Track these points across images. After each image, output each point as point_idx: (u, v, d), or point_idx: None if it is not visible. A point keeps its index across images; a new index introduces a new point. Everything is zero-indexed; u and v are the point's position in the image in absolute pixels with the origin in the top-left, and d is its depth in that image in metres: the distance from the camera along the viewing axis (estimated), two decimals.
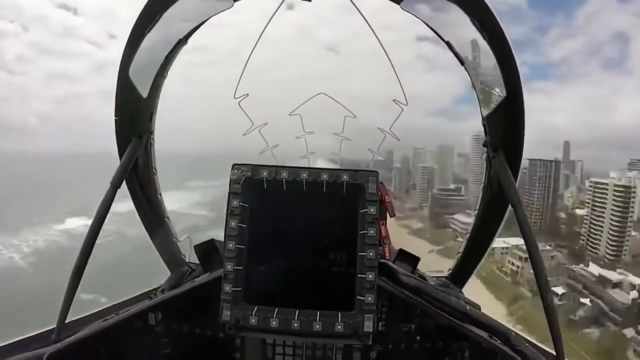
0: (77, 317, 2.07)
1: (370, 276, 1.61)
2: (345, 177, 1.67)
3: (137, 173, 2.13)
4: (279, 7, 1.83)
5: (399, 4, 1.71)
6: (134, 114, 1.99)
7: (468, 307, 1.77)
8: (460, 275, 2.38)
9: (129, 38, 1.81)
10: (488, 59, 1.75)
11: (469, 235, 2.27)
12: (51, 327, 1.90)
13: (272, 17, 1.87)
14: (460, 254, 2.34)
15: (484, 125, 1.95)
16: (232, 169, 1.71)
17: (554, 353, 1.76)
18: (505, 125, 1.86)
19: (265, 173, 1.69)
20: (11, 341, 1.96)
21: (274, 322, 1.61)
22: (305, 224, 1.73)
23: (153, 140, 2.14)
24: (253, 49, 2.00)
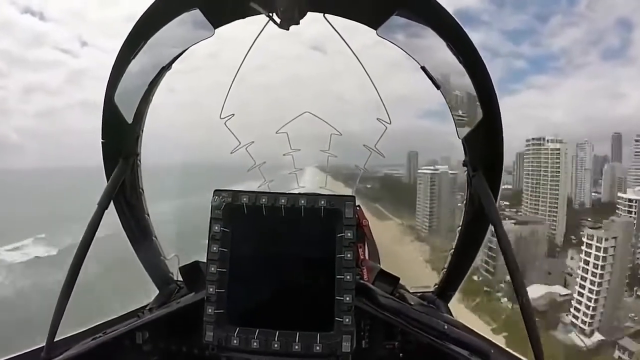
0: (66, 336, 2.11)
1: (347, 298, 1.64)
2: (322, 202, 1.71)
3: (125, 193, 2.17)
4: (259, 34, 1.88)
5: (375, 30, 1.75)
6: (120, 137, 2.04)
7: (446, 327, 1.80)
8: (445, 289, 2.41)
9: (114, 64, 1.86)
10: (464, 82, 1.79)
11: (453, 250, 2.31)
12: (40, 346, 1.93)
13: (252, 45, 1.91)
14: (445, 270, 2.38)
15: (463, 145, 1.99)
16: (213, 195, 1.76)
17: None
18: (483, 145, 1.90)
19: (245, 199, 1.73)
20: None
21: (254, 343, 1.65)
22: (285, 248, 1.77)
23: (139, 161, 2.19)
24: (236, 74, 2.05)
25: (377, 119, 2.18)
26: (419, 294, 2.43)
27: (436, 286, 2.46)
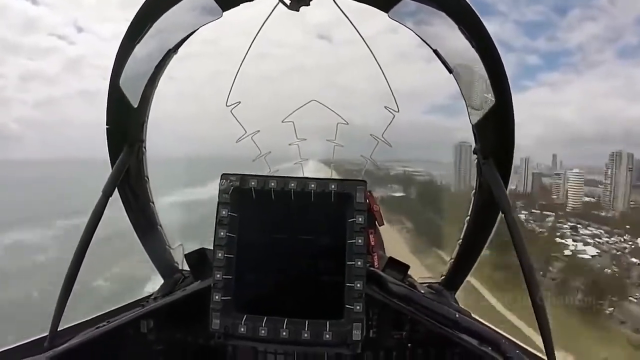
0: (69, 325, 2.08)
1: (358, 285, 1.61)
2: (333, 186, 1.68)
3: (129, 181, 2.14)
4: (267, 19, 1.84)
5: (387, 12, 1.72)
6: (125, 123, 2.00)
7: (457, 315, 1.77)
8: (453, 280, 2.39)
9: (119, 48, 1.82)
10: (476, 67, 1.75)
11: (461, 240, 2.28)
12: (44, 335, 1.91)
13: (259, 31, 1.88)
14: (452, 260, 2.35)
15: (473, 133, 1.96)
16: (220, 179, 1.72)
17: (545, 359, 1.77)
18: (495, 132, 1.87)
19: (253, 183, 1.70)
20: (2, 349, 1.97)
21: (262, 331, 1.62)
22: (294, 233, 1.73)
23: (145, 148, 2.15)
24: (242, 62, 2.01)
25: (385, 107, 2.15)
26: (425, 284, 2.41)
27: (443, 277, 2.44)
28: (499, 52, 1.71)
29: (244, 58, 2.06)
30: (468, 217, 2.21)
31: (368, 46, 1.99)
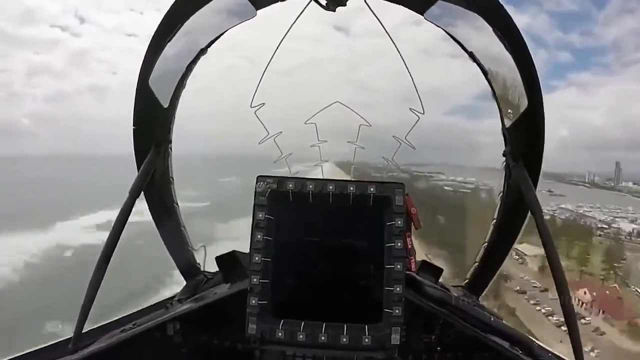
0: (93, 327, 2.06)
1: (397, 289, 1.60)
2: (372, 189, 1.67)
3: (155, 182, 2.12)
4: (298, 16, 1.83)
5: (422, 15, 1.71)
6: (153, 123, 1.98)
7: (492, 318, 1.77)
8: (477, 283, 2.37)
9: (149, 46, 1.81)
10: (510, 70, 1.75)
11: (486, 243, 2.27)
12: (68, 337, 1.88)
13: (288, 30, 1.86)
14: (477, 263, 2.34)
15: (504, 135, 1.95)
16: (257, 181, 1.70)
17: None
18: (526, 135, 1.87)
19: (291, 185, 1.68)
20: (27, 351, 1.95)
21: (300, 336, 1.60)
22: (331, 236, 1.72)
23: (171, 149, 2.13)
24: (269, 62, 1.98)
25: (410, 109, 2.14)
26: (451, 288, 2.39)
27: (466, 280, 2.43)
28: (531, 50, 1.71)
29: (271, 60, 2.02)
30: (494, 221, 2.20)
31: (396, 46, 1.96)
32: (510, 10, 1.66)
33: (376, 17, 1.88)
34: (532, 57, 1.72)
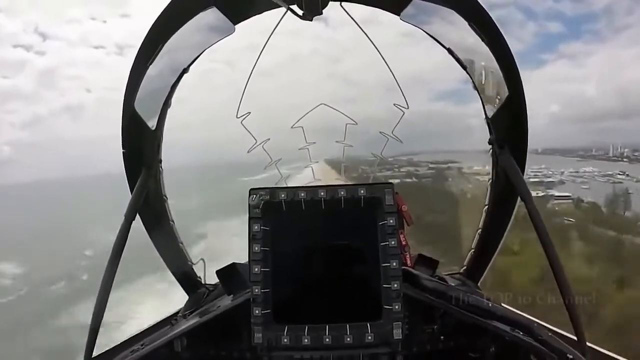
0: (103, 351, 2.07)
1: (395, 285, 1.65)
2: (362, 191, 1.71)
3: (149, 202, 2.13)
4: (275, 28, 1.84)
5: (398, 15, 1.74)
6: (142, 145, 1.99)
7: (490, 304, 1.82)
8: (474, 270, 2.43)
9: (131, 70, 1.81)
10: (488, 61, 1.79)
11: (480, 230, 2.32)
12: None
13: (267, 40, 1.88)
14: (473, 250, 2.39)
15: (488, 124, 1.99)
16: (249, 194, 1.74)
17: (575, 338, 1.82)
18: (509, 122, 1.91)
19: (283, 195, 1.72)
20: None
21: (305, 340, 1.65)
22: (326, 240, 1.77)
23: (161, 167, 2.14)
24: (252, 72, 2.00)
25: (394, 104, 2.17)
26: (447, 276, 2.44)
27: (464, 268, 2.48)
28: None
29: (252, 72, 2.04)
30: (486, 207, 2.25)
31: (375, 45, 1.98)
32: None
33: (353, 19, 1.89)
34: (510, 46, 1.75)
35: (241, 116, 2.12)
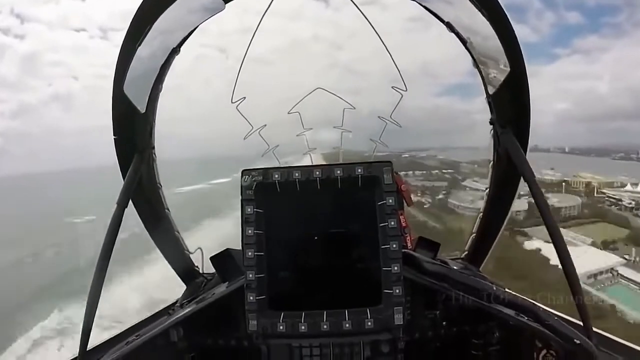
0: (97, 344, 2.03)
1: (395, 268, 1.60)
2: (359, 170, 1.65)
3: (142, 190, 2.08)
4: (268, 8, 1.78)
5: None
6: (133, 130, 1.94)
7: (494, 287, 1.77)
8: (476, 254, 2.38)
9: (120, 53, 1.75)
10: (489, 37, 1.72)
11: (481, 214, 2.27)
12: (73, 357, 1.86)
13: (259, 23, 1.82)
14: (474, 234, 2.34)
15: (489, 103, 1.94)
16: (242, 175, 1.68)
17: (581, 324, 1.77)
18: (511, 100, 1.85)
19: (277, 175, 1.66)
20: None
21: (302, 327, 1.60)
22: (322, 223, 1.71)
23: (155, 154, 2.08)
24: (242, 61, 1.94)
25: (393, 87, 2.11)
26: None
27: (466, 252, 2.43)
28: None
29: (245, 57, 1.99)
30: (487, 189, 2.19)
31: (377, 33, 1.92)
32: None
33: (356, 6, 1.84)
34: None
35: (236, 101, 2.08)
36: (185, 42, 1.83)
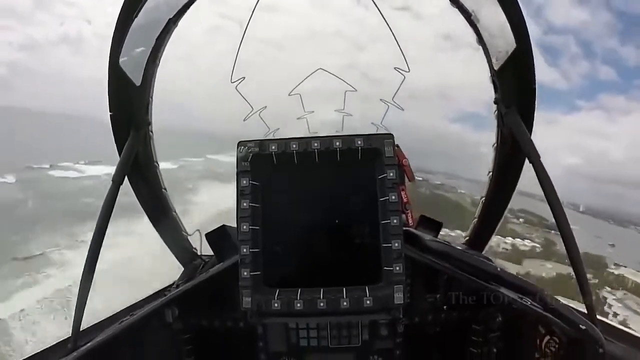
0: (92, 324, 2.00)
1: (396, 244, 1.54)
2: (359, 142, 1.60)
3: (139, 168, 2.04)
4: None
5: None
6: (130, 106, 1.89)
7: (499, 269, 1.72)
8: (478, 240, 2.33)
9: (116, 25, 1.71)
10: (494, 11, 1.68)
11: (484, 197, 2.22)
12: (67, 337, 1.83)
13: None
14: (476, 218, 2.30)
15: (493, 82, 1.89)
16: (237, 147, 1.63)
17: (585, 310, 1.72)
18: (516, 78, 1.80)
19: (274, 147, 1.62)
20: (27, 356, 1.89)
21: (298, 305, 1.55)
22: (321, 197, 1.65)
23: (152, 132, 2.05)
24: (242, 38, 1.90)
25: (395, 68, 2.07)
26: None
27: (467, 238, 2.38)
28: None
29: (245, 33, 1.95)
30: (490, 173, 2.15)
31: (388, 25, 1.89)
32: None
33: (375, 5, 1.81)
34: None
35: (235, 81, 2.04)
36: (185, 14, 1.78)
